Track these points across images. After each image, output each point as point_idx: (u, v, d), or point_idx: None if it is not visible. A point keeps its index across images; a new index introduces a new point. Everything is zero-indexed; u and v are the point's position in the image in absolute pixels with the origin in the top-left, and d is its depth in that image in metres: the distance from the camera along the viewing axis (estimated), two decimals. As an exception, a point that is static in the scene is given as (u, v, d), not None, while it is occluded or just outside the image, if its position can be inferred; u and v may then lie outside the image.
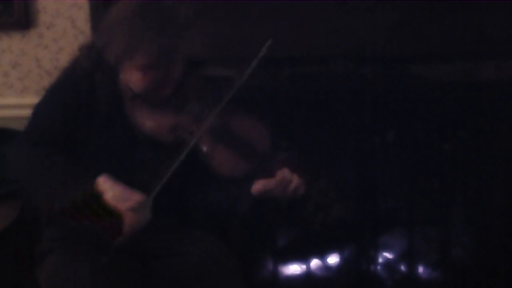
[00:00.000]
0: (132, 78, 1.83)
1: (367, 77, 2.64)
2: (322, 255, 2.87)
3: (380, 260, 2.84)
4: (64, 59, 2.24)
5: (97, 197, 1.70)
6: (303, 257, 2.86)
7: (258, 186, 1.82)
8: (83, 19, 2.59)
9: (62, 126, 1.86)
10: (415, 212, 2.84)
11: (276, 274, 2.85)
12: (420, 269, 2.86)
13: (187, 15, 1.83)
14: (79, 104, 1.87)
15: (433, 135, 2.77)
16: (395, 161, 2.78)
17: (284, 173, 1.81)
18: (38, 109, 1.90)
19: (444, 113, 2.71)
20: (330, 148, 2.22)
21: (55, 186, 1.77)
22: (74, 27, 2.61)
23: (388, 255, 2.86)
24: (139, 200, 1.74)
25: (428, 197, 2.84)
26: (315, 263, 2.87)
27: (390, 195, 2.83)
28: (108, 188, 1.74)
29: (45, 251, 1.92)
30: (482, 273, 2.78)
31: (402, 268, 2.86)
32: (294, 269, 2.87)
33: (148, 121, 1.87)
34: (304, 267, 2.86)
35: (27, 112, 1.94)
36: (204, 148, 1.84)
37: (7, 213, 2.36)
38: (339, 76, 2.64)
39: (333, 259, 2.86)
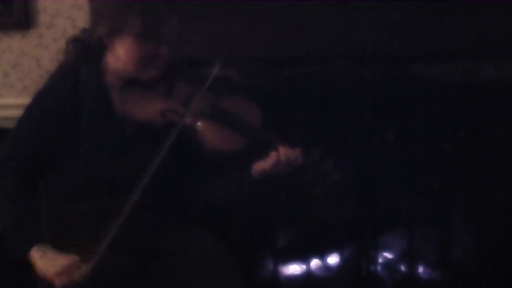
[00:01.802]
0: (123, 54, 1.87)
1: (367, 77, 2.64)
2: (322, 255, 2.87)
3: (380, 260, 2.84)
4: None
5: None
6: (303, 257, 2.86)
7: (258, 168, 1.84)
8: (83, 19, 2.59)
9: (47, 135, 1.88)
10: (415, 212, 2.84)
11: (276, 274, 2.85)
12: (420, 269, 2.86)
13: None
14: (64, 106, 1.88)
15: (433, 135, 2.77)
16: (395, 161, 2.78)
17: (283, 150, 1.83)
18: (23, 119, 1.92)
19: (444, 113, 2.71)
20: (330, 148, 2.21)
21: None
22: (74, 27, 2.61)
23: (388, 255, 2.86)
24: (65, 265, 1.76)
25: (428, 197, 2.84)
26: (315, 263, 2.87)
27: (390, 195, 2.83)
28: (38, 259, 1.78)
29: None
30: (482, 273, 2.78)
31: (402, 268, 2.86)
32: (294, 269, 2.87)
33: (138, 109, 1.88)
34: (304, 267, 2.86)
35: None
36: (196, 125, 1.85)
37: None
38: (339, 76, 2.64)
39: (333, 259, 2.86)
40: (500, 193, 2.75)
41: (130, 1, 1.85)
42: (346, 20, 2.54)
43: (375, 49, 2.54)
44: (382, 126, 2.74)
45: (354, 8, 2.53)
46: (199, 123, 1.87)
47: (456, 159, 2.78)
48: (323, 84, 2.65)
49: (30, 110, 1.92)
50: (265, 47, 2.53)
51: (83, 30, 2.01)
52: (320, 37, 2.55)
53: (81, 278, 1.74)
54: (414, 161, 2.76)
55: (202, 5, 2.49)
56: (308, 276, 2.86)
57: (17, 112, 1.94)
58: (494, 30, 2.53)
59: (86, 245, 1.77)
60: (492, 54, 2.60)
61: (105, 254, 1.74)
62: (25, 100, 1.96)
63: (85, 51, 1.92)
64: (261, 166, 1.85)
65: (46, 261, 1.77)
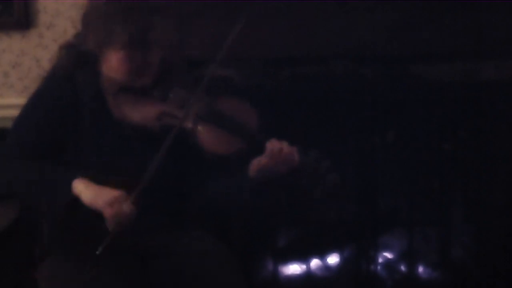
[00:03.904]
0: (113, 65, 1.85)
1: (367, 77, 2.64)
2: (322, 255, 2.87)
3: (380, 260, 2.84)
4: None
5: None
6: (303, 257, 2.86)
7: (253, 166, 1.85)
8: (83, 19, 2.59)
9: (47, 134, 1.88)
10: (415, 212, 2.84)
11: (276, 274, 2.85)
12: (420, 269, 2.86)
13: (155, 3, 1.87)
14: (62, 108, 1.88)
15: (433, 135, 2.77)
16: (395, 161, 2.78)
17: (272, 143, 1.83)
18: (21, 119, 1.92)
19: (444, 113, 2.71)
20: (330, 148, 2.22)
21: (44, 193, 1.81)
22: (74, 27, 2.59)
23: (388, 255, 2.86)
24: (114, 195, 1.75)
25: (428, 197, 2.84)
26: (315, 263, 2.87)
27: (390, 195, 2.83)
28: (83, 189, 1.76)
29: (45, 251, 1.92)
30: (482, 273, 2.78)
31: (402, 268, 2.86)
32: (294, 269, 2.87)
33: (134, 113, 1.87)
34: (304, 267, 2.87)
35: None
36: (193, 128, 1.85)
37: (7, 213, 2.36)
38: (339, 76, 2.64)
39: (333, 259, 2.87)
40: (500, 193, 2.75)
41: (114, 12, 1.83)
42: (346, 20, 2.54)
43: (375, 49, 2.54)
44: (382, 126, 2.74)
45: (354, 8, 2.53)
46: (196, 126, 1.86)
47: (456, 159, 2.78)
48: (323, 84, 2.65)
49: (26, 113, 1.92)
50: (265, 47, 2.53)
51: (76, 35, 1.99)
52: (320, 37, 2.55)
53: (129, 212, 1.72)
54: (414, 161, 2.76)
55: (202, 5, 2.49)
56: (308, 276, 2.86)
57: (17, 112, 1.94)
58: (494, 30, 2.53)
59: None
60: (492, 54, 2.60)
61: (146, 187, 1.73)
62: (25, 100, 1.95)
63: (78, 57, 1.91)
64: (257, 161, 1.85)
65: (92, 191, 1.75)
